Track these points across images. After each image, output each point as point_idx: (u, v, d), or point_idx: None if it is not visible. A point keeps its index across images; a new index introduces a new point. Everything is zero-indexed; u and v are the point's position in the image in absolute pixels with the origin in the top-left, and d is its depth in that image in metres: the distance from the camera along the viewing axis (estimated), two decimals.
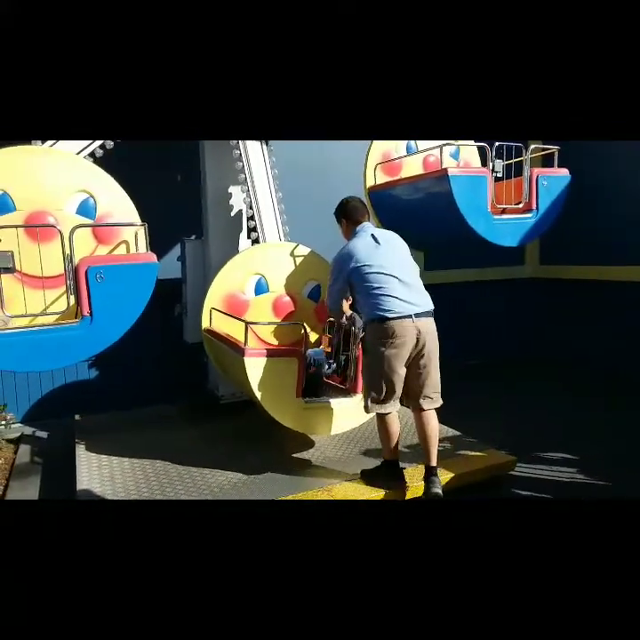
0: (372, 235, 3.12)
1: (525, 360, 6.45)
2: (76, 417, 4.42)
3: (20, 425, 4.65)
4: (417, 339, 2.91)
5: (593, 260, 6.08)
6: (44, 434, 4.52)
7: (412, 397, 3.02)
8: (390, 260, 3.02)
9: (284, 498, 2.96)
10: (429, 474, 3.00)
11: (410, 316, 2.88)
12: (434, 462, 3.02)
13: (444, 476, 3.17)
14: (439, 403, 3.05)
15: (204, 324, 3.87)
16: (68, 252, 2.82)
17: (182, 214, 4.74)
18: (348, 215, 3.27)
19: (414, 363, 2.96)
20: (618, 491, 3.29)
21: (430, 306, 3.01)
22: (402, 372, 2.95)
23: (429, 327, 2.97)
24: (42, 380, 4.74)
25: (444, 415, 4.02)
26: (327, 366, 3.52)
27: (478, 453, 3.51)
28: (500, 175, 3.71)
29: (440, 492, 2.96)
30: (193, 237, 4.72)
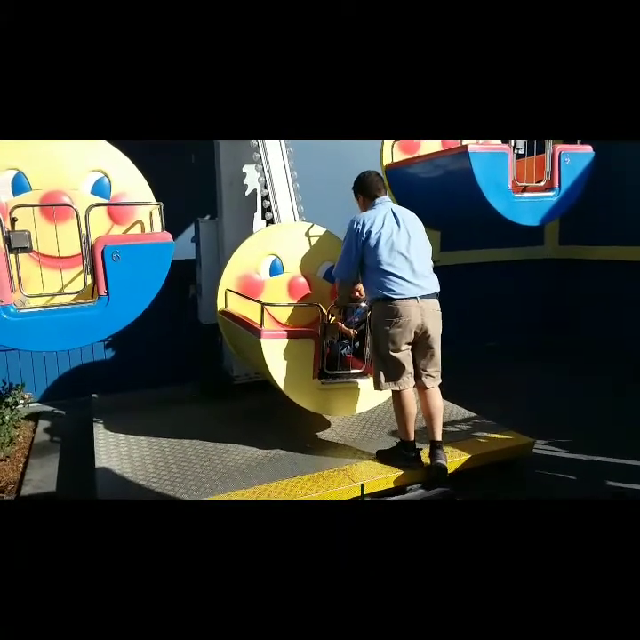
0: (392, 210, 3.09)
1: (545, 342, 6.38)
2: (93, 396, 4.47)
3: (38, 404, 4.72)
4: (421, 319, 2.95)
5: (613, 240, 5.95)
6: (61, 412, 4.58)
7: (415, 376, 3.07)
8: (404, 238, 3.01)
9: (299, 477, 2.97)
10: (434, 447, 3.05)
11: (414, 298, 2.93)
12: (439, 437, 3.07)
13: (460, 458, 3.16)
14: (439, 380, 3.12)
15: (219, 305, 3.85)
16: (84, 231, 2.81)
17: (196, 194, 4.71)
18: (365, 189, 3.22)
19: (418, 342, 3.01)
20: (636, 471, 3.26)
21: (436, 288, 3.05)
22: (406, 349, 2.99)
23: (433, 308, 3.02)
24: (59, 360, 4.78)
25: (461, 397, 4.06)
26: (343, 347, 3.49)
27: (496, 435, 3.48)
28: (521, 152, 3.61)
29: (445, 463, 3.00)
30: (207, 218, 4.69)
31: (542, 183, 3.75)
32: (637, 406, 4.42)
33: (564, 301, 6.62)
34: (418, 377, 3.07)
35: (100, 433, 3.66)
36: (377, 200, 3.16)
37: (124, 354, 4.99)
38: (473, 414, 3.83)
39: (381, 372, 3.05)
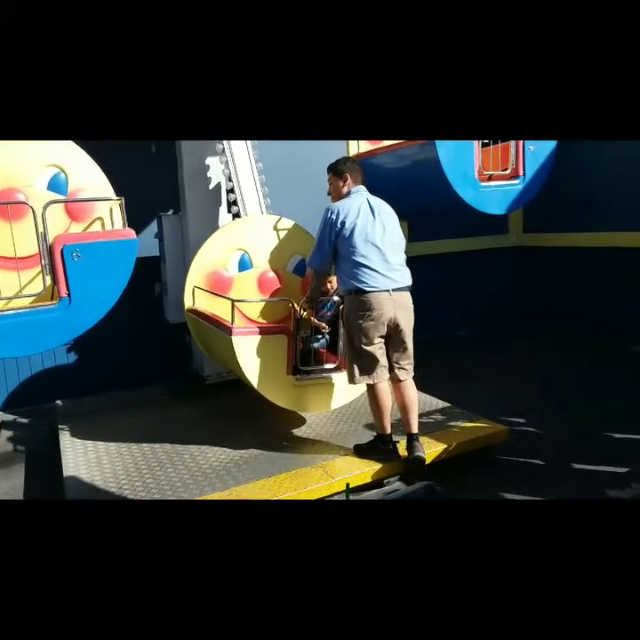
0: (368, 200, 3.05)
1: (512, 329, 6.49)
2: (57, 402, 4.29)
3: None
4: (393, 312, 2.94)
5: (576, 227, 6.08)
6: (24, 421, 4.40)
7: (388, 369, 3.05)
8: (379, 229, 2.98)
9: (276, 476, 2.92)
10: (411, 439, 3.05)
11: (387, 290, 2.92)
12: (415, 429, 3.07)
13: (437, 448, 3.17)
14: (412, 373, 3.12)
15: (187, 303, 3.75)
16: (41, 229, 2.67)
17: (158, 188, 4.55)
18: (350, 172, 3.14)
19: (391, 335, 3.01)
20: (604, 450, 3.34)
21: (408, 281, 3.05)
22: (379, 342, 2.98)
23: (405, 301, 3.01)
24: (19, 366, 4.58)
25: (434, 386, 4.08)
26: (316, 341, 3.44)
27: (470, 424, 3.50)
28: (486, 141, 3.62)
29: (423, 455, 3.00)
30: (170, 213, 4.55)
31: (507, 171, 3.78)
32: (603, 389, 4.54)
33: (529, 288, 6.74)
34: (391, 370, 3.06)
35: (67, 440, 3.51)
36: (353, 189, 3.11)
37: (88, 357, 4.81)
38: (446, 405, 3.85)
39: (355, 366, 3.03)
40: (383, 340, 3.01)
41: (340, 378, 3.33)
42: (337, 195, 3.18)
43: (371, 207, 3.01)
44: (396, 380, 3.07)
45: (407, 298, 3.03)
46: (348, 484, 2.72)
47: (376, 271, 2.92)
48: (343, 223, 2.95)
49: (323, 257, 3.10)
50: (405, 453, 3.05)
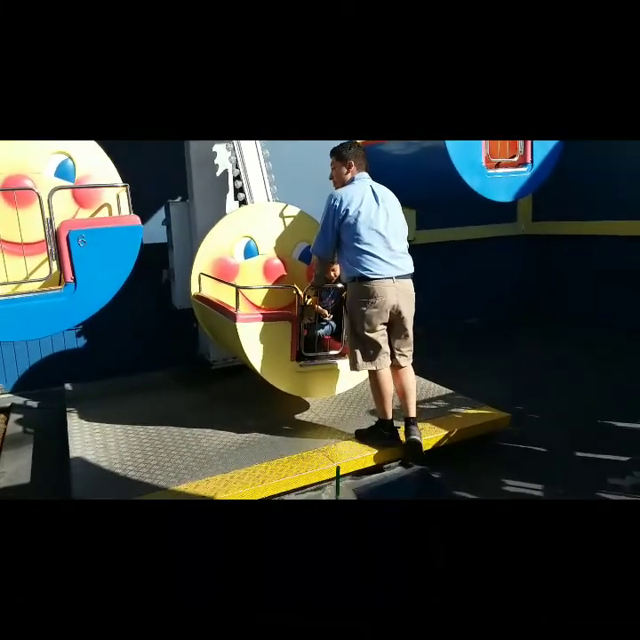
0: (371, 187, 3.05)
1: (519, 317, 6.46)
2: (66, 385, 4.37)
3: (9, 395, 4.60)
4: (396, 299, 2.95)
5: (584, 215, 6.01)
6: (34, 403, 4.48)
7: (390, 355, 3.07)
8: (382, 216, 2.98)
9: (279, 459, 2.96)
10: (409, 424, 3.07)
11: (390, 278, 2.93)
12: (413, 413, 3.10)
13: (438, 434, 3.19)
14: (411, 359, 3.14)
15: (193, 289, 3.79)
16: (47, 215, 2.71)
17: (166, 175, 4.57)
18: (355, 158, 3.12)
19: (393, 322, 3.03)
20: (605, 438, 3.34)
21: (411, 269, 3.06)
22: (382, 329, 3.01)
23: (408, 288, 3.03)
24: (29, 350, 4.66)
25: (437, 374, 4.09)
26: (321, 328, 3.47)
27: (472, 411, 3.52)
28: None
29: (419, 439, 3.03)
30: (178, 200, 4.57)
31: (515, 159, 3.75)
32: (608, 378, 4.52)
33: (537, 276, 6.69)
34: (392, 356, 3.08)
35: (74, 422, 3.58)
36: (357, 176, 3.10)
37: (96, 342, 4.88)
38: (449, 391, 3.86)
39: (358, 352, 3.05)
40: (385, 328, 3.03)
41: (343, 364, 3.36)
42: (340, 181, 3.17)
43: (374, 194, 3.01)
44: (396, 366, 3.10)
45: (409, 285, 3.04)
46: (338, 468, 2.76)
47: (380, 258, 2.93)
48: (347, 210, 2.95)
49: (326, 244, 3.11)
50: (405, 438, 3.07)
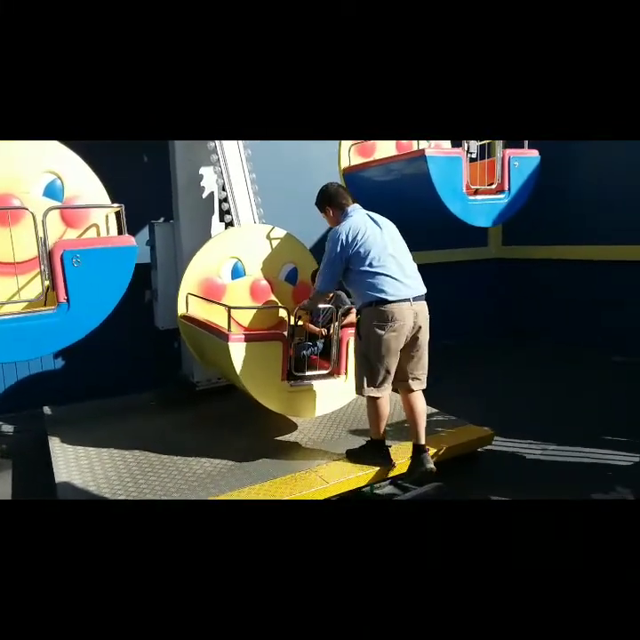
0: (368, 215, 3.09)
1: (493, 339, 6.64)
2: (45, 408, 4.25)
3: None
4: (414, 322, 2.94)
5: (552, 240, 6.30)
6: (10, 427, 4.33)
7: (401, 379, 3.05)
8: (388, 240, 3.00)
9: (271, 481, 2.96)
10: (420, 452, 3.05)
11: (408, 300, 2.91)
12: (423, 440, 3.07)
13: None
14: (425, 384, 3.11)
15: (180, 310, 3.78)
16: (40, 235, 2.68)
17: (151, 196, 4.57)
18: (332, 200, 3.18)
19: (409, 345, 2.99)
20: (585, 452, 3.47)
21: (424, 289, 3.04)
22: (397, 354, 2.96)
23: (424, 310, 3.01)
24: (5, 371, 4.52)
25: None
26: (309, 348, 3.51)
27: (456, 429, 3.60)
28: (474, 156, 3.76)
29: (433, 466, 3.01)
30: (161, 220, 4.57)
31: (493, 186, 3.93)
32: (583, 397, 4.70)
33: (508, 299, 6.93)
34: (404, 380, 3.04)
35: (57, 446, 3.48)
36: (348, 209, 3.13)
37: (75, 363, 4.77)
38: (434, 410, 3.93)
39: (365, 378, 2.99)
40: (400, 353, 2.98)
41: (332, 384, 3.40)
42: (337, 221, 3.17)
43: (374, 220, 3.05)
44: (408, 390, 3.06)
45: (425, 307, 3.02)
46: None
47: (395, 279, 2.90)
48: (355, 239, 2.94)
49: (333, 280, 3.07)
50: (399, 460, 3.11)
